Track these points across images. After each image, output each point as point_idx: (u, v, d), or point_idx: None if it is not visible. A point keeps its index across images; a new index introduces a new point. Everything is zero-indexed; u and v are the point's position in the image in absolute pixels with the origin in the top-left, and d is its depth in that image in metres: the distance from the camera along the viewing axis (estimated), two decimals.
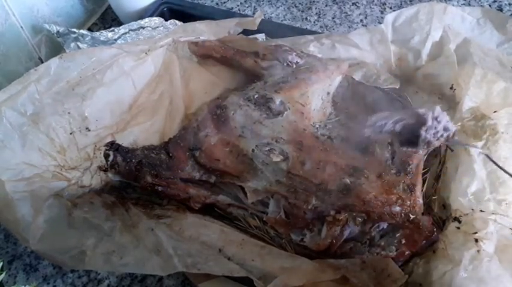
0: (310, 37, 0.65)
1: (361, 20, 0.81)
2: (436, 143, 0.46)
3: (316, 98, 0.58)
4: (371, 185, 0.48)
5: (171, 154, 0.54)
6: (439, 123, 0.45)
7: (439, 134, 0.46)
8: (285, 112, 0.55)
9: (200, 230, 0.49)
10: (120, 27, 0.70)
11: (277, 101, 0.55)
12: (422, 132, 0.45)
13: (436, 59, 0.60)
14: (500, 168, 0.44)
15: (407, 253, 0.46)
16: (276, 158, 0.51)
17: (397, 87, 0.61)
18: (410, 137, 0.46)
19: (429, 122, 0.45)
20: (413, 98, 0.61)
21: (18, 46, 0.69)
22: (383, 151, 0.53)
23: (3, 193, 0.47)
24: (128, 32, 0.70)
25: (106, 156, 0.54)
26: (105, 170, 0.55)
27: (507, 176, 0.47)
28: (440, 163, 0.53)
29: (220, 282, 0.48)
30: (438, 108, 0.45)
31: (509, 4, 0.81)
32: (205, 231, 0.49)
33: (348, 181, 0.49)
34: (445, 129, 0.45)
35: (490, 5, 0.82)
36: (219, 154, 0.53)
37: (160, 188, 0.53)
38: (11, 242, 0.56)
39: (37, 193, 0.49)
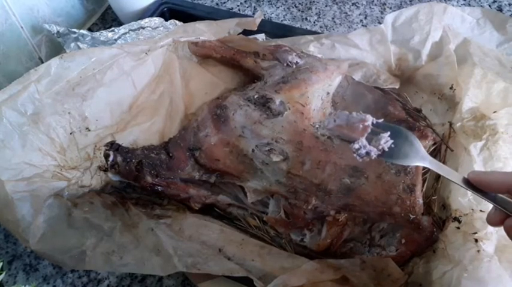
0: (310, 37, 0.65)
1: (361, 20, 0.81)
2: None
3: (316, 98, 0.58)
4: (371, 185, 0.48)
5: (171, 154, 0.54)
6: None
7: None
8: (285, 112, 0.55)
9: (200, 230, 0.49)
10: (120, 27, 0.70)
11: (277, 101, 0.55)
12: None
13: (436, 59, 0.60)
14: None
15: (407, 253, 0.46)
16: (276, 158, 0.51)
17: (397, 87, 0.61)
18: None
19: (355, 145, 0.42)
20: (413, 98, 0.61)
21: (18, 46, 0.69)
22: None
23: (3, 193, 0.47)
24: (128, 32, 0.70)
25: (106, 156, 0.54)
26: (105, 170, 0.55)
27: None
28: None
29: (220, 282, 0.48)
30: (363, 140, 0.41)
31: (509, 4, 0.81)
32: (205, 231, 0.49)
33: (348, 181, 0.49)
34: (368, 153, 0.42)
35: (489, 5, 0.82)
36: (219, 154, 0.53)
37: (160, 188, 0.53)
38: (11, 242, 0.56)
39: (37, 193, 0.49)
